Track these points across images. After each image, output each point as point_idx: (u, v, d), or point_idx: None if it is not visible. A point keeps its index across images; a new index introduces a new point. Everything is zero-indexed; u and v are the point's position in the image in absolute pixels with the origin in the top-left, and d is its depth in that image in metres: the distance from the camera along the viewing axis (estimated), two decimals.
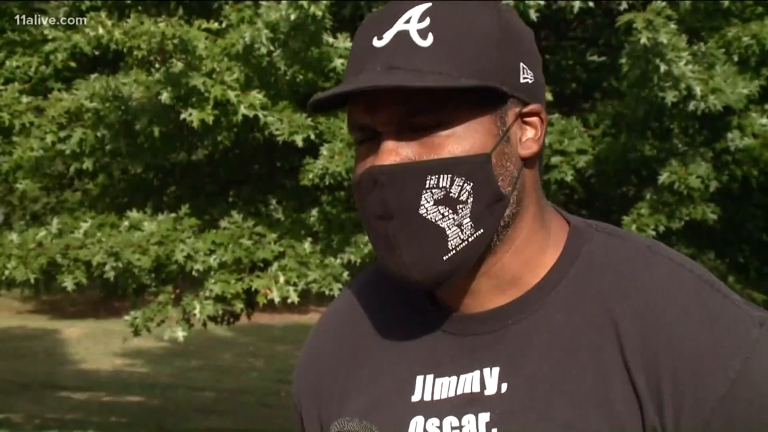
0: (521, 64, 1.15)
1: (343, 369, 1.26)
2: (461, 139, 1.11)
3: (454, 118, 1.11)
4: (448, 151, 1.11)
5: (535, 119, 1.17)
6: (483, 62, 1.12)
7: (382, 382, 1.21)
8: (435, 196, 1.11)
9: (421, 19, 1.12)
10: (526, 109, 1.16)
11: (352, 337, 1.28)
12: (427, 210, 1.11)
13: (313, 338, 1.34)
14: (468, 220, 1.12)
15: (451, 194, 1.11)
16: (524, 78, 1.15)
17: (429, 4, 1.13)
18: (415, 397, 1.18)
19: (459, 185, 1.11)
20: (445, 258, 1.12)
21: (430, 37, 1.11)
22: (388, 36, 1.12)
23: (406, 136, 1.12)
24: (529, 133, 1.17)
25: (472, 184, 1.11)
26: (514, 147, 1.15)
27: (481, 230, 1.13)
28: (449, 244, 1.12)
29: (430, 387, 1.18)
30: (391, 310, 1.26)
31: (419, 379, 1.19)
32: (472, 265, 1.15)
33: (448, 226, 1.12)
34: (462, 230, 1.12)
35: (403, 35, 1.12)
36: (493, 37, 1.13)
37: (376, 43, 1.13)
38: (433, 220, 1.11)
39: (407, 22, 1.12)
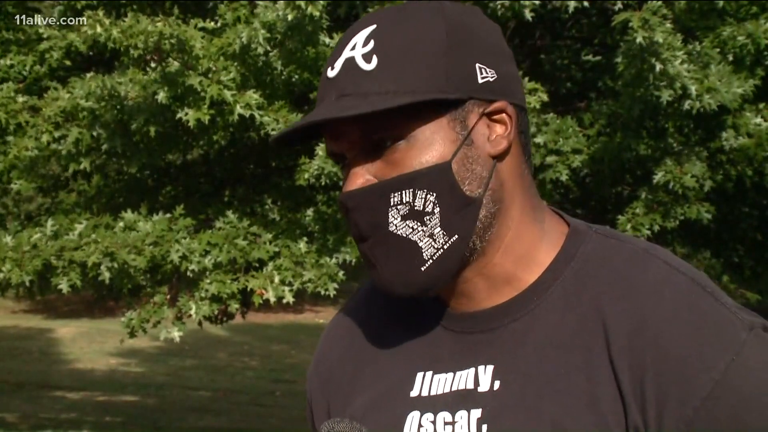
0: (477, 64, 1.17)
1: (350, 367, 1.30)
2: (420, 151, 1.14)
3: (410, 131, 1.14)
4: (408, 166, 1.14)
5: (502, 116, 1.18)
6: (428, 73, 1.14)
7: (385, 379, 1.25)
8: (401, 212, 1.14)
9: (365, 43, 1.15)
10: (490, 108, 1.18)
11: (360, 337, 1.31)
12: (396, 227, 1.15)
13: (324, 340, 1.38)
14: (439, 229, 1.14)
15: (416, 207, 1.14)
16: (483, 77, 1.17)
17: (373, 27, 1.16)
18: (414, 393, 1.21)
19: (422, 198, 1.14)
20: (423, 269, 1.15)
21: (374, 59, 1.14)
22: (338, 65, 1.17)
23: (370, 156, 1.16)
24: (498, 129, 1.18)
25: (435, 194, 1.14)
26: (480, 147, 1.17)
27: (456, 236, 1.15)
28: (424, 255, 1.15)
29: (428, 383, 1.21)
30: (396, 310, 1.30)
31: (419, 375, 1.22)
32: (456, 269, 1.17)
33: (420, 239, 1.15)
34: (435, 240, 1.15)
35: (350, 62, 1.16)
36: (438, 45, 1.15)
37: (329, 73, 1.18)
38: (404, 235, 1.14)
39: (353, 48, 1.16)
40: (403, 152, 1.14)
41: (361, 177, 1.15)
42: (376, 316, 1.31)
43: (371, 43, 1.15)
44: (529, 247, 1.20)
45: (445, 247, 1.15)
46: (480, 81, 1.16)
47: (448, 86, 1.14)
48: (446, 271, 1.16)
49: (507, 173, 1.19)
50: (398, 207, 1.14)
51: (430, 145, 1.14)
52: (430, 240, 1.14)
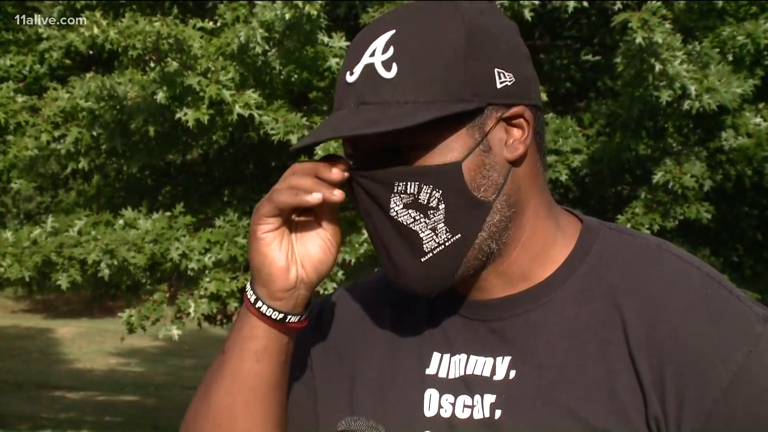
0: (496, 69, 1.16)
1: (359, 331, 1.31)
2: (437, 156, 1.14)
3: (429, 139, 1.14)
4: (419, 163, 1.15)
5: (520, 120, 1.18)
6: (449, 81, 1.14)
7: (398, 353, 1.26)
8: (404, 200, 1.15)
9: (385, 50, 1.15)
10: (508, 113, 1.17)
11: (374, 306, 1.32)
12: (397, 213, 1.15)
13: (342, 291, 1.38)
14: (442, 224, 1.15)
15: (419, 200, 1.14)
16: (502, 82, 1.16)
17: (392, 32, 1.16)
18: (430, 371, 1.23)
19: (427, 192, 1.14)
20: (423, 260, 1.16)
21: (394, 67, 1.14)
22: (357, 71, 1.16)
23: (387, 158, 1.16)
24: (516, 134, 1.18)
25: (441, 191, 1.14)
26: (498, 154, 1.17)
27: (459, 235, 1.15)
28: (424, 246, 1.15)
29: (446, 363, 1.22)
30: (409, 294, 1.28)
31: (436, 354, 1.23)
32: (460, 270, 1.17)
33: (421, 230, 1.15)
34: (437, 234, 1.15)
35: (370, 69, 1.15)
36: (458, 51, 1.14)
37: (348, 78, 1.17)
38: (405, 223, 1.15)
39: (372, 54, 1.16)
40: (419, 158, 1.14)
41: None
42: (390, 297, 1.31)
43: (391, 50, 1.15)
44: (544, 245, 1.21)
45: (447, 243, 1.15)
46: (499, 86, 1.16)
47: (468, 94, 1.14)
48: (447, 268, 1.16)
49: (523, 176, 1.19)
50: (401, 195, 1.14)
51: (448, 152, 1.14)
52: (432, 233, 1.15)
